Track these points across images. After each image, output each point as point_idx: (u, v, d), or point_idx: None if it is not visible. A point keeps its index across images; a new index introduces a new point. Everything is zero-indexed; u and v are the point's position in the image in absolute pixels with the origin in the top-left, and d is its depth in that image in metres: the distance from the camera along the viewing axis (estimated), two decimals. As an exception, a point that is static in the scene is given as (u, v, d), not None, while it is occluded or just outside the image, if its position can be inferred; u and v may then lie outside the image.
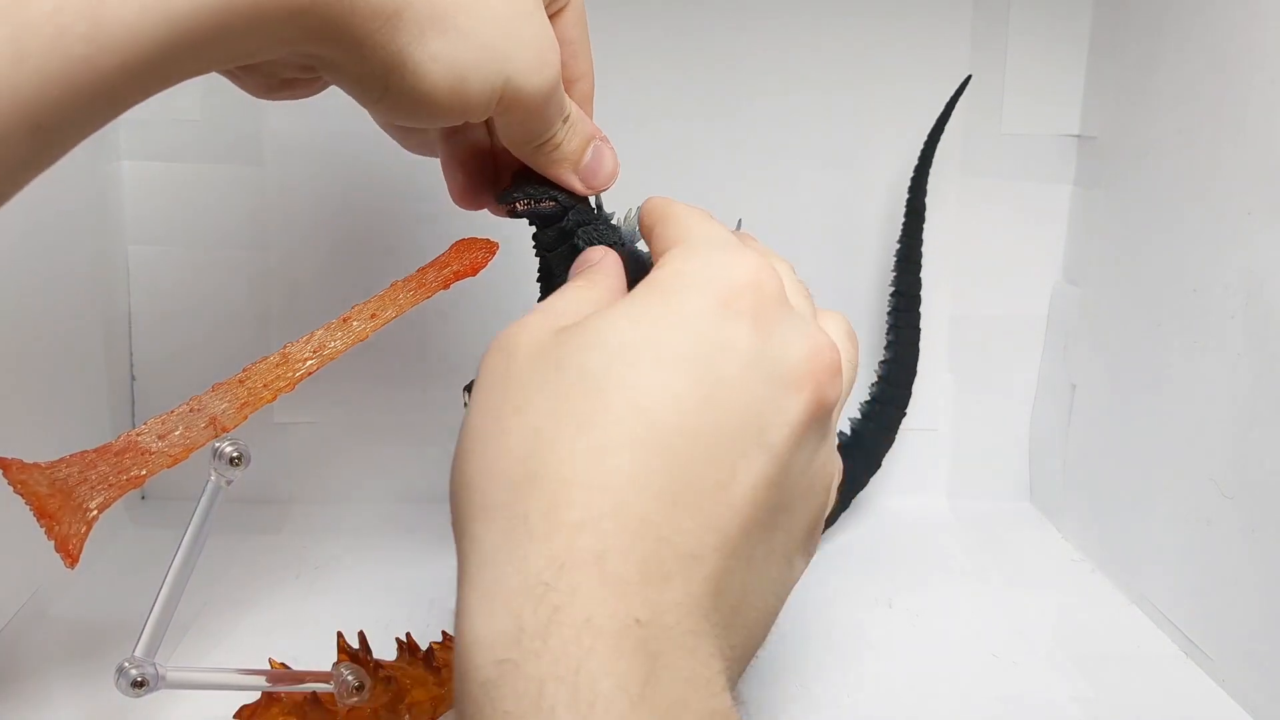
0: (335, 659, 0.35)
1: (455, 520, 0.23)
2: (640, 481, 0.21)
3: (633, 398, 0.22)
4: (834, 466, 0.27)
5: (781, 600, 0.26)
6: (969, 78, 0.52)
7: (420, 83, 0.26)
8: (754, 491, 0.23)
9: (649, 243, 0.30)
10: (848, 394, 0.28)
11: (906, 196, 0.52)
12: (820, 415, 0.24)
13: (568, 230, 0.36)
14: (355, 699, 0.33)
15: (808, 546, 0.27)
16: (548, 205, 0.35)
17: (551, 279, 0.40)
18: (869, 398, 0.53)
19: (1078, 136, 0.55)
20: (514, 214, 0.36)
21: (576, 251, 0.37)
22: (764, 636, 0.26)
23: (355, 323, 0.32)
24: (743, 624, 0.24)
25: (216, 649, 0.41)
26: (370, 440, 0.56)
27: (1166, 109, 0.47)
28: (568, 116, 0.31)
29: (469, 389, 0.43)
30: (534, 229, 0.36)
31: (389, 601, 0.45)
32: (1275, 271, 0.39)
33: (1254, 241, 0.40)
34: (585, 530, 0.20)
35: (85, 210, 0.49)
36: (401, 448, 0.56)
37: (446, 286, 0.34)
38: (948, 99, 0.52)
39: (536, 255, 0.38)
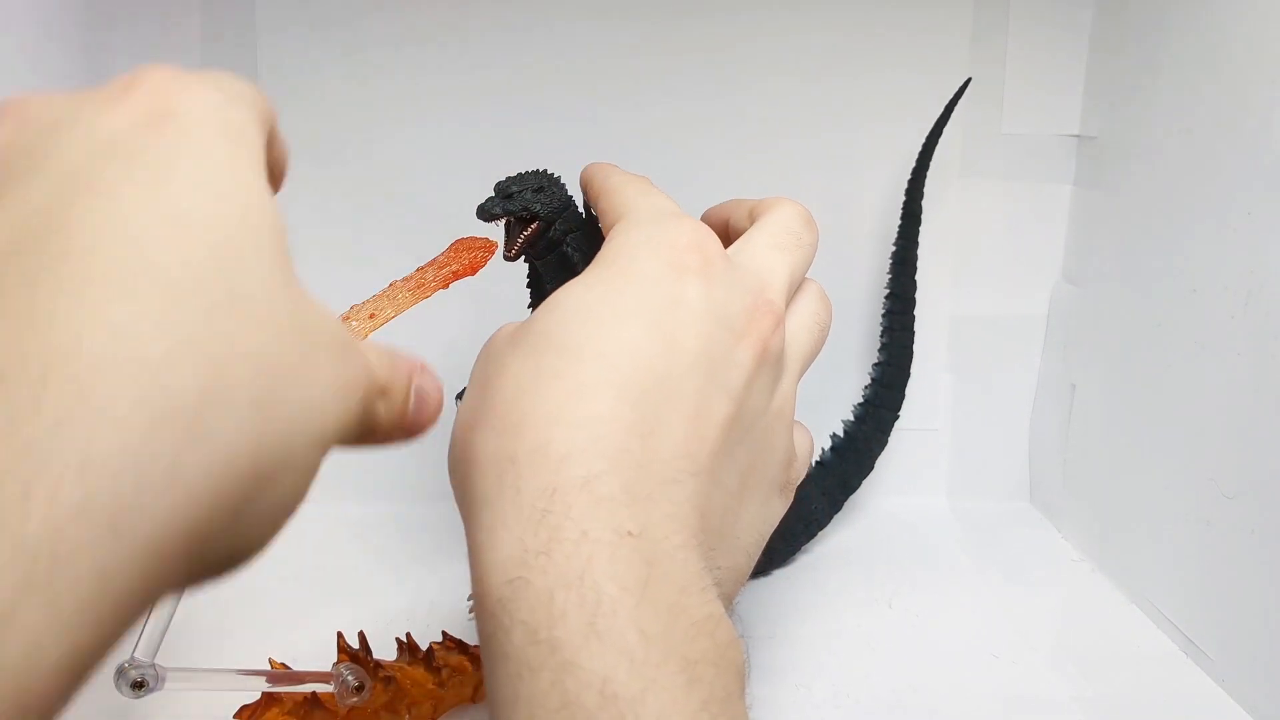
0: (335, 659, 0.35)
1: (456, 486, 0.25)
2: (614, 417, 0.23)
3: (597, 348, 0.24)
4: (791, 409, 0.29)
5: (763, 536, 0.29)
6: (968, 80, 0.52)
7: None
8: (718, 426, 0.25)
9: (596, 214, 0.31)
10: (817, 350, 0.31)
11: (903, 199, 0.52)
12: (766, 360, 0.27)
13: (555, 239, 0.36)
14: (355, 699, 0.33)
15: (785, 489, 0.30)
16: (530, 218, 0.35)
17: (541, 285, 0.40)
18: (862, 399, 0.53)
19: (1078, 136, 0.55)
20: (508, 228, 0.36)
21: (566, 259, 0.37)
22: (748, 568, 0.28)
23: (354, 322, 0.32)
24: (727, 549, 0.26)
25: (216, 649, 0.41)
26: (370, 440, 0.56)
27: (1166, 109, 0.47)
28: (384, 389, 0.23)
29: (461, 397, 0.43)
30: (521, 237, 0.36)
31: (389, 601, 0.45)
32: (1275, 271, 0.39)
33: (1254, 241, 0.40)
34: (570, 461, 0.22)
35: (85, 210, 0.49)
36: (402, 448, 0.56)
37: (446, 286, 0.34)
38: (947, 100, 0.52)
39: (525, 261, 0.38)
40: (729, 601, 0.26)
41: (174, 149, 0.18)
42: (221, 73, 0.21)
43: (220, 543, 0.17)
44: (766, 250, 0.29)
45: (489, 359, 0.26)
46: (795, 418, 0.30)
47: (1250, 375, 0.40)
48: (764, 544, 0.29)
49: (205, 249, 0.17)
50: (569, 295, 0.26)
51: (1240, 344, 0.41)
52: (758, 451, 0.27)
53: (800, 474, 0.31)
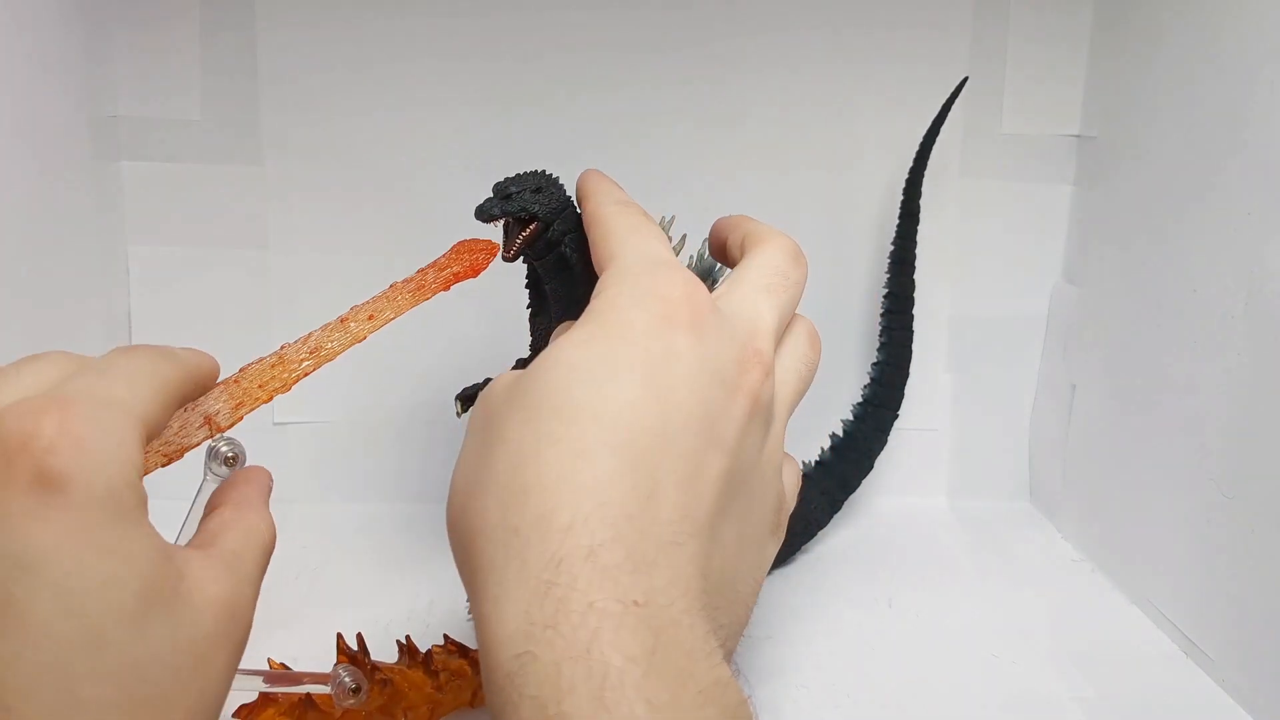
0: (335, 660, 0.35)
1: (457, 551, 0.25)
2: (615, 481, 0.23)
3: (595, 410, 0.24)
4: (780, 455, 0.29)
5: (759, 582, 0.29)
6: (965, 79, 0.52)
7: None
8: (716, 482, 0.25)
9: (590, 243, 0.31)
10: (804, 390, 0.31)
11: (901, 198, 0.52)
12: (757, 411, 0.27)
13: (553, 240, 0.36)
14: (352, 701, 0.33)
15: (776, 531, 0.30)
16: (528, 219, 0.35)
17: (540, 286, 0.40)
18: (861, 399, 0.53)
19: (1078, 136, 0.55)
20: (506, 229, 0.36)
21: (564, 260, 0.37)
22: (747, 616, 0.28)
23: (353, 324, 0.32)
24: (728, 603, 0.26)
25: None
26: (370, 440, 0.56)
27: (1166, 109, 0.47)
28: (265, 546, 0.28)
29: (459, 398, 0.43)
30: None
31: (388, 602, 0.45)
32: (1275, 271, 0.39)
33: (1254, 241, 0.40)
34: (574, 530, 0.22)
35: (85, 210, 0.49)
36: (401, 448, 0.56)
37: (446, 288, 0.34)
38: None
39: (524, 262, 0.38)
40: (730, 655, 0.26)
41: (55, 545, 0.20)
42: (118, 358, 0.24)
43: None
44: (755, 293, 0.29)
45: (488, 420, 0.26)
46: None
47: (1250, 375, 0.40)
48: (759, 590, 0.29)
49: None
50: (565, 353, 0.25)
51: (1240, 344, 0.41)
52: (751, 502, 0.27)
53: (789, 510, 0.31)
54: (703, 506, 0.24)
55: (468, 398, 0.43)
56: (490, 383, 0.28)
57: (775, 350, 0.29)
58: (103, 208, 0.51)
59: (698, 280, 0.27)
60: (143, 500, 0.23)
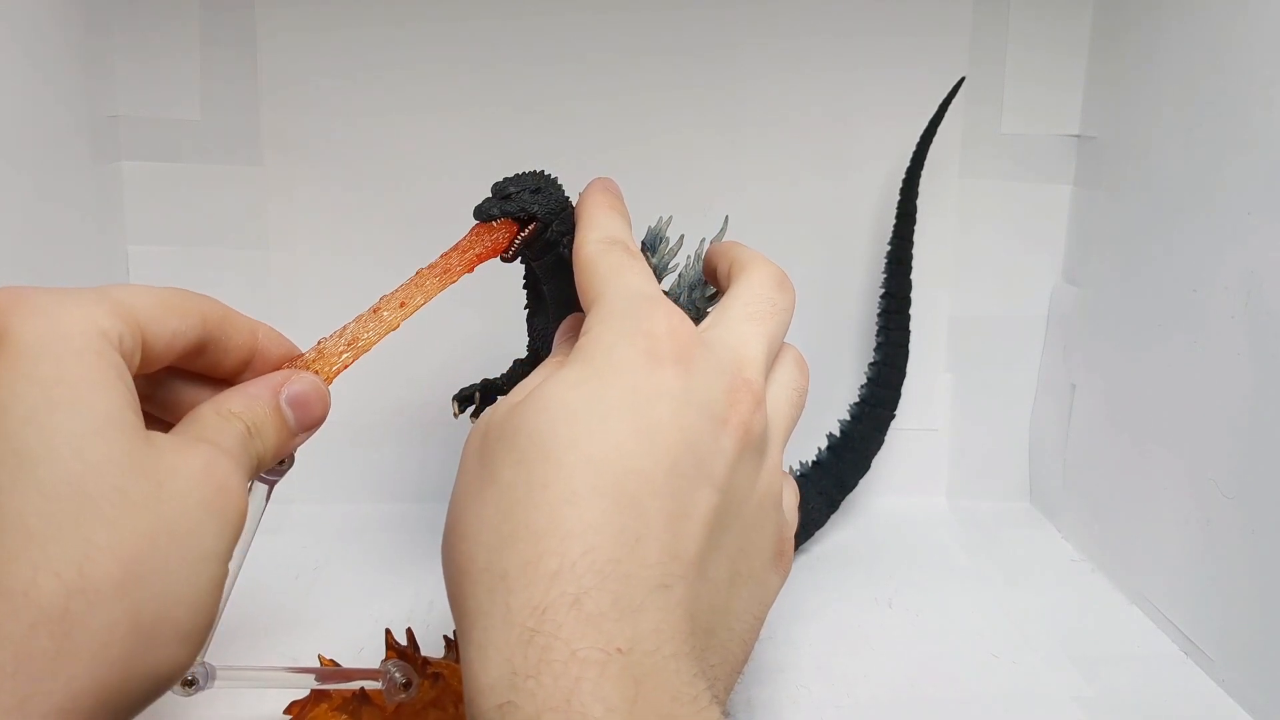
0: (384, 656, 0.35)
1: (449, 591, 0.25)
2: (603, 525, 0.23)
3: (583, 452, 0.24)
4: (779, 486, 0.28)
5: (759, 618, 0.28)
6: (962, 80, 0.52)
7: None
8: (706, 520, 0.25)
9: (576, 282, 0.31)
10: (797, 418, 0.30)
11: (898, 198, 0.52)
12: (749, 443, 0.26)
13: (552, 240, 0.36)
14: (403, 696, 0.34)
15: (779, 563, 0.29)
16: (527, 219, 0.35)
17: (538, 286, 0.40)
18: (858, 399, 0.53)
19: (1078, 136, 0.55)
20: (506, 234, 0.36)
21: (562, 260, 0.37)
22: (745, 654, 0.27)
23: (385, 312, 0.32)
24: (720, 643, 0.26)
25: (216, 649, 0.41)
26: (369, 440, 0.56)
27: (1166, 109, 0.47)
28: (250, 427, 0.27)
29: (457, 398, 0.43)
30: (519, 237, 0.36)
31: (388, 602, 0.45)
32: (1275, 271, 0.39)
33: (1254, 241, 0.40)
34: (560, 578, 0.22)
35: (85, 210, 0.49)
36: (400, 448, 0.56)
37: (471, 270, 0.34)
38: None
39: (522, 262, 0.38)
40: (726, 695, 0.26)
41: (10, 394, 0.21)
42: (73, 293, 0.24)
43: (130, 686, 0.22)
44: (742, 323, 0.29)
45: (482, 457, 0.26)
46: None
47: (1250, 375, 0.40)
48: (762, 624, 0.28)
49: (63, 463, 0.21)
50: (554, 394, 0.25)
51: (1240, 344, 0.41)
52: (747, 537, 0.27)
53: (792, 539, 0.30)
54: (691, 546, 0.24)
55: (465, 399, 0.43)
56: (486, 411, 0.27)
57: (766, 379, 0.28)
58: (103, 208, 0.51)
59: (682, 314, 0.27)
60: (115, 371, 0.23)
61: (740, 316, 0.29)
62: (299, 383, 0.28)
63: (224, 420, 0.26)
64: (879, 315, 0.53)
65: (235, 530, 0.24)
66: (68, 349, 0.22)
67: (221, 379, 0.29)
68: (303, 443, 0.29)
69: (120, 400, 0.22)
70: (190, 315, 0.26)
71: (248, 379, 0.28)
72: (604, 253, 0.30)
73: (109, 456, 0.22)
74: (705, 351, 0.26)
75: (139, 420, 0.23)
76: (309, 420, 0.29)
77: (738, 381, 0.26)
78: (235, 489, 0.24)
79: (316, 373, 0.30)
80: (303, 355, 0.31)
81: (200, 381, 0.29)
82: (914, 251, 0.52)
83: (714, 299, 0.41)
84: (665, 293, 0.30)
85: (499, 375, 0.43)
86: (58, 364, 0.22)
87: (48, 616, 0.20)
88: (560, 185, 0.38)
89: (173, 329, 0.25)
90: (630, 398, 0.25)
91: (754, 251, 0.32)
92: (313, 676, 0.34)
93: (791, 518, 0.31)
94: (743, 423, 0.26)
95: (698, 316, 0.41)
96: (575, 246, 0.31)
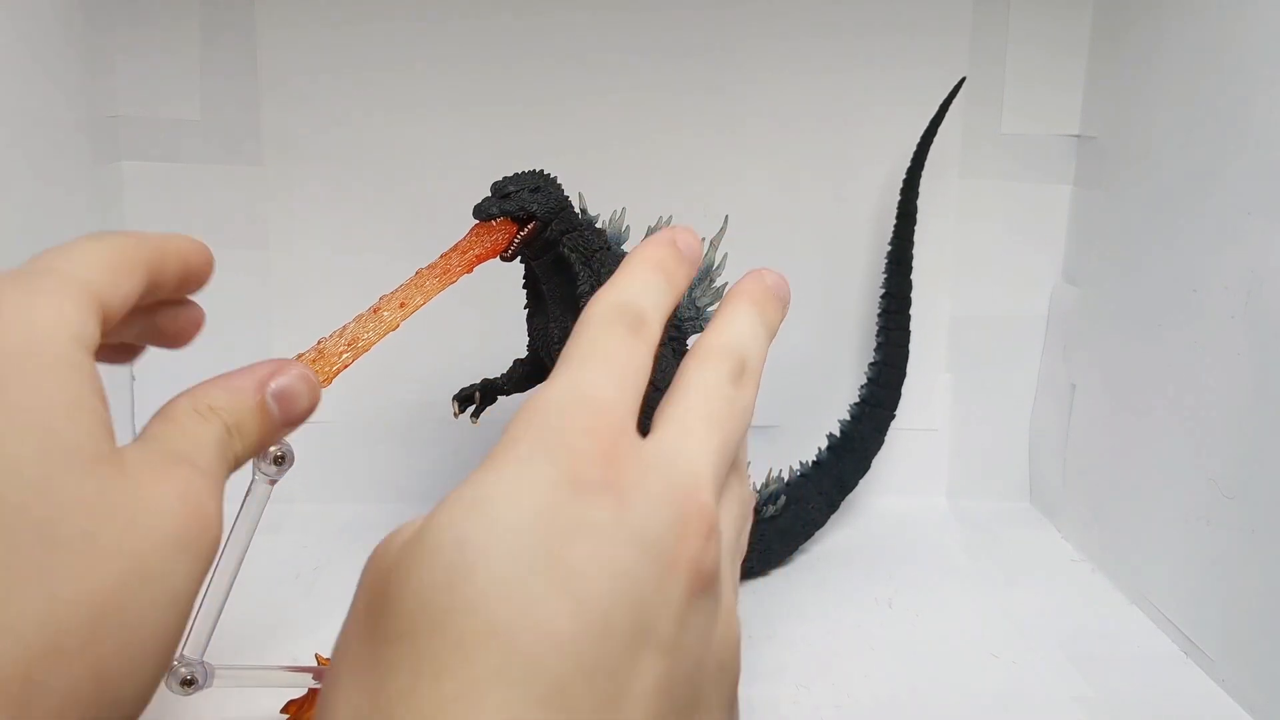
0: None
1: None
2: None
3: (487, 623, 0.18)
4: (736, 633, 0.23)
5: None
6: (962, 80, 0.52)
7: None
8: (650, 695, 0.19)
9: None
10: (746, 537, 0.25)
11: (898, 198, 0.52)
12: (701, 586, 0.20)
13: (551, 239, 0.36)
14: None
15: (731, 714, 0.24)
16: (526, 218, 0.35)
17: (537, 285, 0.40)
18: (858, 399, 0.53)
19: (1078, 136, 0.55)
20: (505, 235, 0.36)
21: (561, 260, 0.37)
22: None
23: (385, 312, 0.32)
24: None
25: (216, 649, 0.41)
26: (370, 440, 0.56)
27: (1166, 109, 0.47)
28: (230, 426, 0.25)
29: (457, 398, 0.43)
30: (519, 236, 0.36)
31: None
32: (1275, 271, 0.39)
33: (1253, 241, 0.40)
34: None
35: (85, 210, 0.49)
36: (401, 448, 0.56)
37: (470, 270, 0.34)
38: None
39: (521, 261, 0.38)
40: None
41: None
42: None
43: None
44: (694, 425, 0.23)
45: (368, 619, 0.21)
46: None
47: (1250, 375, 0.40)
48: None
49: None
50: (449, 528, 0.20)
51: (1240, 344, 0.41)
52: (699, 702, 0.21)
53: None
54: None
55: (465, 399, 0.43)
56: (385, 539, 0.23)
57: (718, 499, 0.22)
58: (103, 208, 0.51)
59: (623, 420, 0.21)
60: (89, 384, 0.21)
61: (694, 417, 0.23)
62: (286, 376, 0.26)
63: (202, 421, 0.24)
64: (879, 315, 0.53)
65: (207, 565, 0.22)
66: (38, 364, 0.20)
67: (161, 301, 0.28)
68: (288, 434, 0.27)
69: (91, 422, 0.20)
70: (136, 272, 0.25)
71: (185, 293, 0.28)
72: (602, 321, 0.24)
73: (78, 497, 0.19)
74: (644, 470, 0.21)
75: (111, 441, 0.21)
76: (295, 414, 0.26)
77: (689, 507, 0.20)
78: (212, 515, 0.22)
79: (316, 373, 0.30)
80: (302, 354, 0.31)
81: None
82: (914, 251, 0.52)
83: (716, 296, 0.41)
84: None
85: (499, 375, 0.43)
86: (27, 388, 0.20)
87: (5, 690, 0.18)
88: (560, 184, 0.38)
89: (124, 293, 0.24)
90: (546, 544, 0.19)
91: (721, 323, 0.25)
92: (310, 676, 0.34)
93: (738, 664, 0.24)
94: (693, 561, 0.20)
95: (698, 317, 0.41)
96: (591, 299, 0.25)
